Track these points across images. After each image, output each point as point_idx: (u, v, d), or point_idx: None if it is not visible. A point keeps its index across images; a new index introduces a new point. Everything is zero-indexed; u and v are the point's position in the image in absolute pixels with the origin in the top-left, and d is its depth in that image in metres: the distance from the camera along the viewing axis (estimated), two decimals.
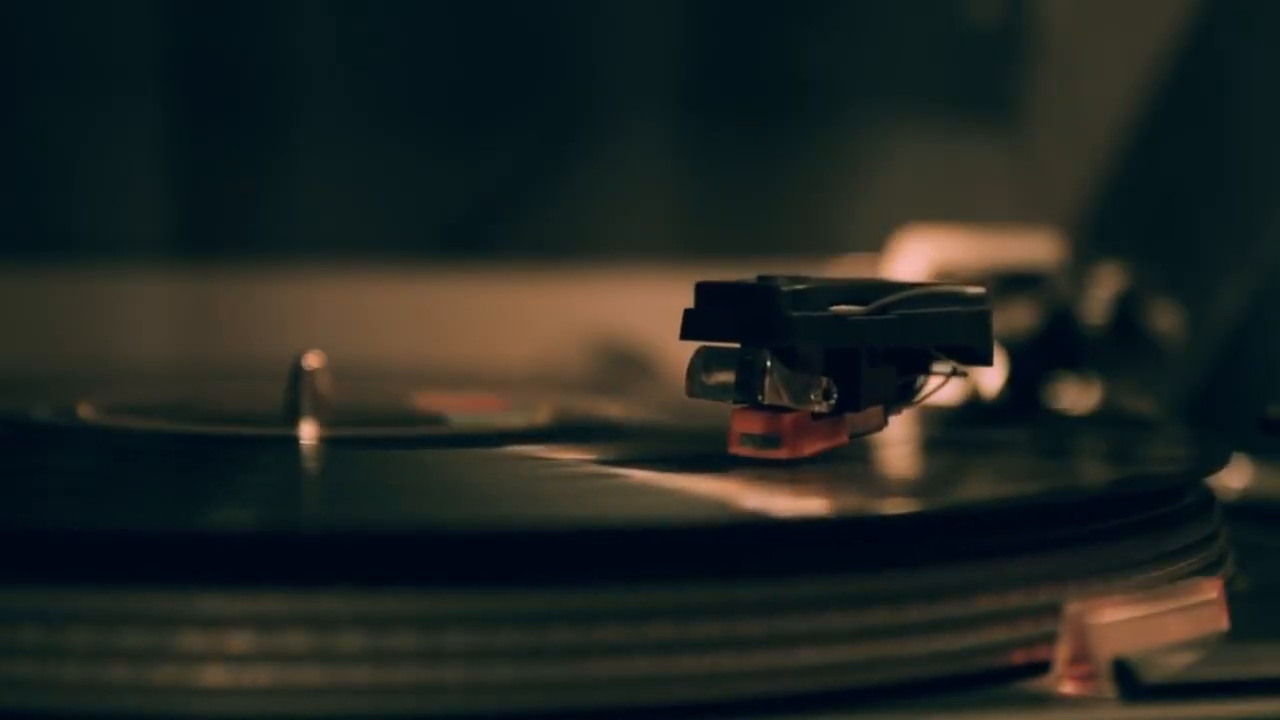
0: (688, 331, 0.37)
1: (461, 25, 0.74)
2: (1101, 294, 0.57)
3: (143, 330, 0.71)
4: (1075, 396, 0.56)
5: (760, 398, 0.36)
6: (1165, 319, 0.57)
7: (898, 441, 0.42)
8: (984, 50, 0.77)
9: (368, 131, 0.74)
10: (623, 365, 0.70)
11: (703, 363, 0.37)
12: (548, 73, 0.76)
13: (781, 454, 0.36)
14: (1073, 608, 0.32)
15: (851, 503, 0.35)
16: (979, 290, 0.38)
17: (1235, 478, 0.49)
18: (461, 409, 0.48)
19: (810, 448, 0.37)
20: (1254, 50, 0.67)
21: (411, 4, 0.74)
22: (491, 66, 0.74)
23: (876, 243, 0.65)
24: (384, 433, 0.45)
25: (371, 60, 0.74)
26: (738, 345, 0.36)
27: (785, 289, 0.36)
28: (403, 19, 0.74)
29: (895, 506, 0.35)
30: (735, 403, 0.37)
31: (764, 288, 0.36)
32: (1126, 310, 0.56)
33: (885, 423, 0.38)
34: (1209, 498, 0.39)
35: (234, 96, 0.73)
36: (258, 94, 0.73)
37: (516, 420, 0.47)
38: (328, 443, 0.42)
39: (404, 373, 0.64)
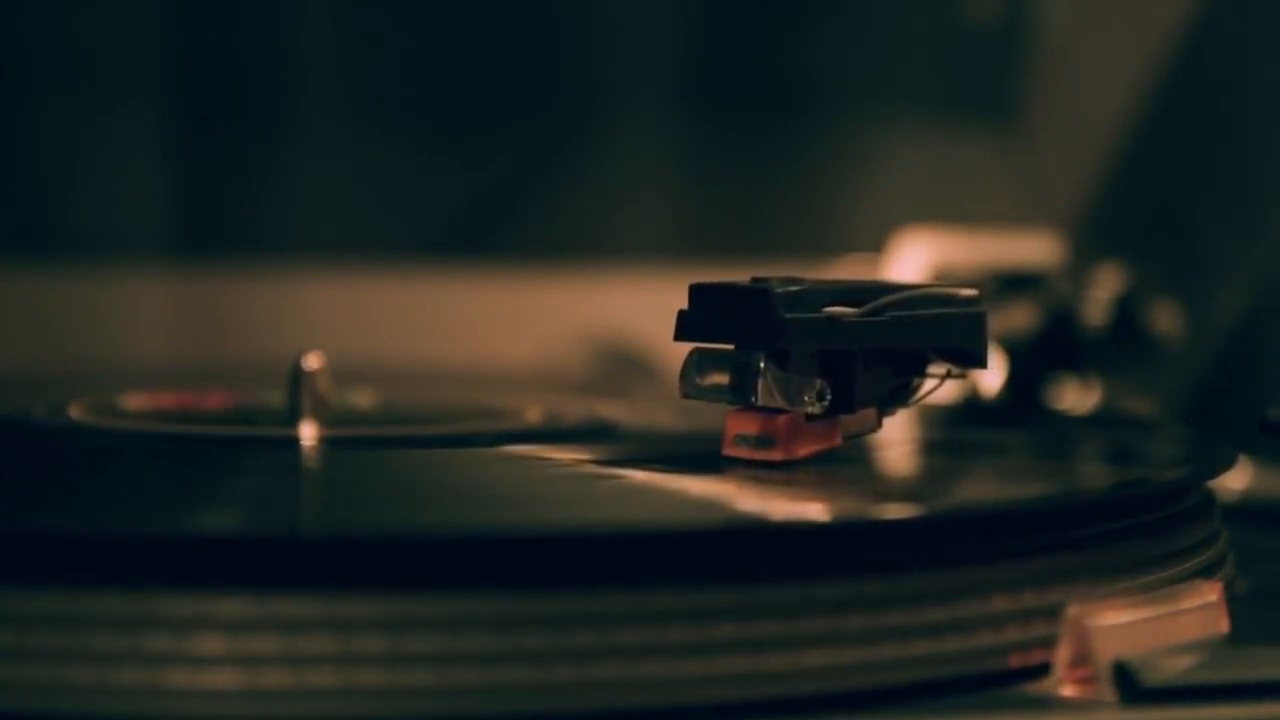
0: (681, 333, 0.37)
1: (461, 25, 0.74)
2: (1101, 294, 0.57)
3: (143, 330, 0.71)
4: (1075, 397, 0.56)
5: (754, 399, 0.36)
6: (1165, 319, 0.57)
7: (896, 442, 0.42)
8: (984, 50, 0.76)
9: (367, 131, 0.74)
10: (623, 365, 0.70)
11: (697, 364, 0.37)
12: (548, 72, 0.76)
13: (776, 455, 0.36)
14: (1073, 610, 0.32)
15: (850, 506, 0.35)
16: (973, 292, 0.38)
17: (1236, 479, 0.49)
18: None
19: (804, 449, 0.37)
20: (1253, 50, 0.67)
21: (411, 4, 0.74)
22: (491, 66, 0.74)
23: (876, 243, 0.65)
24: (384, 433, 0.45)
25: (371, 60, 0.74)
26: (732, 347, 0.36)
27: (779, 291, 0.36)
28: (402, 19, 0.74)
29: (893, 510, 0.35)
30: (729, 404, 0.37)
31: (758, 289, 0.36)
32: (1126, 310, 0.56)
33: (879, 424, 0.38)
34: (1209, 500, 0.39)
35: (234, 97, 0.73)
36: (257, 94, 0.73)
37: (515, 421, 0.47)
38: (328, 443, 0.42)
39: (404, 373, 0.64)
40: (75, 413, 0.47)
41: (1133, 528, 0.35)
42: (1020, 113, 0.77)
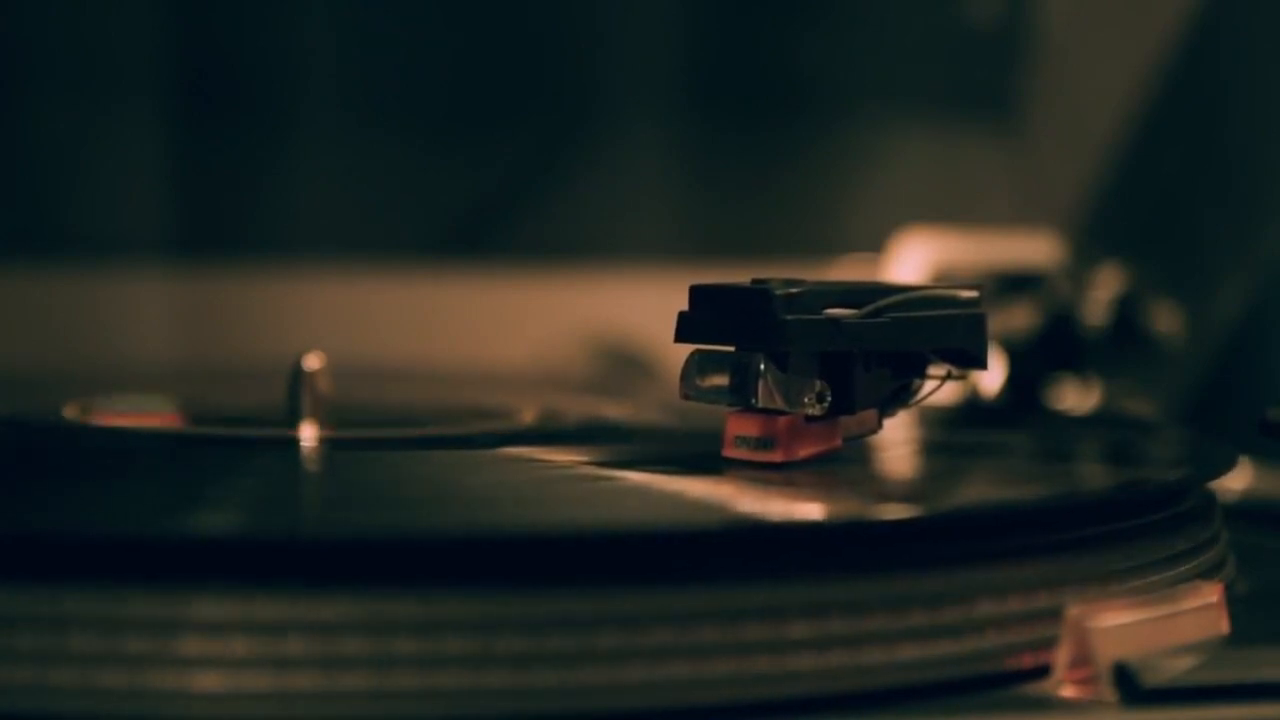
0: (682, 334, 0.37)
1: (462, 25, 0.74)
2: (1101, 295, 0.57)
3: (143, 330, 0.71)
4: (1075, 397, 0.56)
5: (754, 401, 0.36)
6: (1165, 319, 0.57)
7: (896, 443, 0.42)
8: (984, 50, 0.76)
9: (368, 131, 0.74)
10: (623, 365, 0.70)
11: (697, 366, 0.37)
12: (548, 73, 0.76)
13: (776, 457, 0.36)
14: (1073, 611, 0.32)
15: (850, 507, 0.35)
16: (973, 293, 0.38)
17: (1236, 480, 0.49)
18: None
19: (804, 451, 0.37)
20: (1253, 51, 0.67)
21: (411, 4, 0.74)
22: (492, 66, 0.74)
23: (876, 244, 0.65)
24: (384, 434, 0.45)
25: (371, 60, 0.74)
26: (732, 348, 0.36)
27: (779, 292, 0.36)
28: (403, 19, 0.74)
29: (894, 511, 0.35)
30: (729, 406, 0.37)
31: (758, 291, 0.36)
32: (1126, 311, 0.56)
33: (880, 426, 0.38)
34: (1210, 501, 0.39)
35: (234, 96, 0.73)
36: (258, 94, 0.73)
37: (514, 421, 0.47)
38: (328, 444, 0.42)
39: (404, 373, 0.64)
40: (74, 413, 0.47)
41: (1133, 529, 0.35)
42: (1020, 113, 0.77)
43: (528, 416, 0.47)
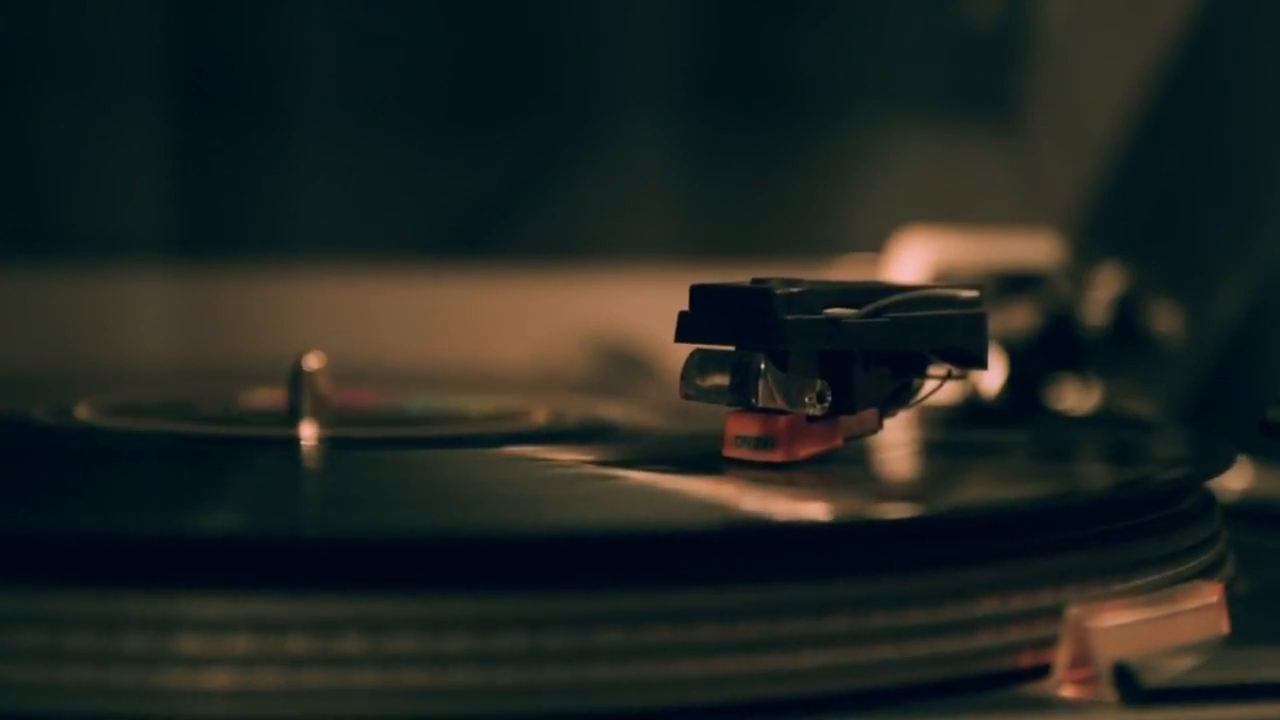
0: (682, 334, 0.37)
1: (462, 25, 0.74)
2: (1101, 295, 0.57)
3: (143, 330, 0.71)
4: (1075, 397, 0.56)
5: (754, 400, 0.36)
6: (1165, 319, 0.57)
7: (896, 443, 0.42)
8: (984, 50, 0.77)
9: (368, 131, 0.74)
10: (623, 365, 0.70)
11: (697, 365, 0.37)
12: (548, 73, 0.76)
13: (776, 456, 0.36)
14: (1073, 611, 0.32)
15: (850, 506, 0.35)
16: (973, 293, 0.38)
17: (1236, 480, 0.49)
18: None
19: (805, 450, 0.37)
20: (1253, 51, 0.67)
21: (411, 4, 0.74)
22: (492, 66, 0.74)
23: (876, 244, 0.65)
24: (384, 434, 0.45)
25: (372, 60, 0.74)
26: (732, 348, 0.36)
27: (779, 292, 0.36)
28: (403, 19, 0.74)
29: (894, 510, 0.35)
30: (729, 405, 0.37)
31: (758, 291, 0.36)
32: (1126, 311, 0.56)
33: (880, 425, 0.38)
34: (1210, 500, 0.39)
35: (234, 96, 0.73)
36: (258, 94, 0.73)
37: (515, 421, 0.47)
38: (328, 444, 0.42)
39: (404, 373, 0.64)
40: (76, 412, 0.47)
41: (1133, 528, 0.35)
42: (1020, 113, 0.77)
43: (528, 416, 0.47)
